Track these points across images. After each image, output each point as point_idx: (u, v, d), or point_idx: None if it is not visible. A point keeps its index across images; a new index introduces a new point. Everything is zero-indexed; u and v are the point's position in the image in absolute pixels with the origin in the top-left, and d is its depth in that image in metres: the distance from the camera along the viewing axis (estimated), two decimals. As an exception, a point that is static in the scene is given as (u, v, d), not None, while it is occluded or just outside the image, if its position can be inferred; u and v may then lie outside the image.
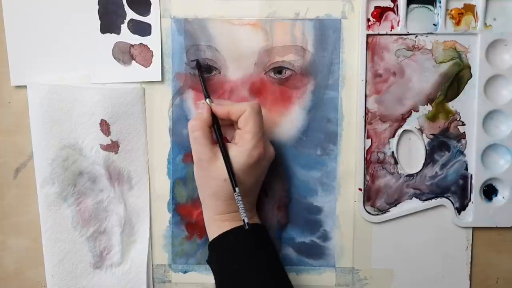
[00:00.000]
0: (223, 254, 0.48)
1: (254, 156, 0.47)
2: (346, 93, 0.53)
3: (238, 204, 0.45)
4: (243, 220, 0.45)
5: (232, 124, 0.49)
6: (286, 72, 0.53)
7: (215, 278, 0.49)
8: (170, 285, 0.55)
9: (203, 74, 0.52)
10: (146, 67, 0.53)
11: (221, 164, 0.47)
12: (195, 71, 0.53)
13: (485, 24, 0.52)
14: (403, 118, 0.54)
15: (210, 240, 0.49)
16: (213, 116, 0.48)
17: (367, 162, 0.54)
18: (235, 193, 0.45)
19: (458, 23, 0.53)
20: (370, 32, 0.52)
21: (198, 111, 0.50)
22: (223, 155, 0.47)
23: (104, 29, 0.53)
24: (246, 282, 0.46)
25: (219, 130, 0.48)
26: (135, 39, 0.53)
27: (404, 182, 0.54)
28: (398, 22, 0.52)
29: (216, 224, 0.48)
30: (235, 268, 0.47)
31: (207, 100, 0.49)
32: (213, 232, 0.49)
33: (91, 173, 0.53)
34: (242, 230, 0.46)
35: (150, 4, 0.53)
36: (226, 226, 0.48)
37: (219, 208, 0.48)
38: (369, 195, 0.54)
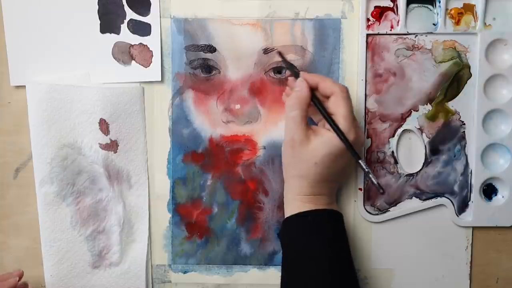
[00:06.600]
0: (298, 231, 0.48)
1: (349, 139, 0.46)
2: (346, 92, 0.53)
3: (366, 170, 0.46)
4: (375, 182, 0.45)
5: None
6: (286, 72, 0.53)
7: (283, 252, 0.50)
8: (170, 285, 0.55)
9: (286, 59, 0.51)
10: (146, 67, 0.53)
11: (312, 147, 0.46)
12: (194, 71, 0.53)
13: (485, 23, 0.52)
14: (403, 118, 0.54)
15: (286, 216, 0.50)
16: (312, 92, 0.48)
17: (367, 162, 0.54)
18: (360, 160, 0.46)
19: (457, 23, 0.53)
20: (370, 31, 0.52)
21: (295, 89, 0.48)
22: (332, 126, 0.46)
23: (104, 29, 0.53)
24: (312, 263, 0.46)
25: (321, 104, 0.48)
26: (135, 39, 0.53)
27: (404, 182, 0.54)
28: (398, 22, 0.52)
29: (296, 203, 0.48)
30: (306, 247, 0.47)
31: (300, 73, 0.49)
32: (291, 209, 0.49)
33: (90, 172, 0.53)
34: (321, 214, 0.47)
35: (150, 4, 0.53)
36: (306, 207, 0.48)
37: (303, 189, 0.48)
38: (369, 195, 0.54)
